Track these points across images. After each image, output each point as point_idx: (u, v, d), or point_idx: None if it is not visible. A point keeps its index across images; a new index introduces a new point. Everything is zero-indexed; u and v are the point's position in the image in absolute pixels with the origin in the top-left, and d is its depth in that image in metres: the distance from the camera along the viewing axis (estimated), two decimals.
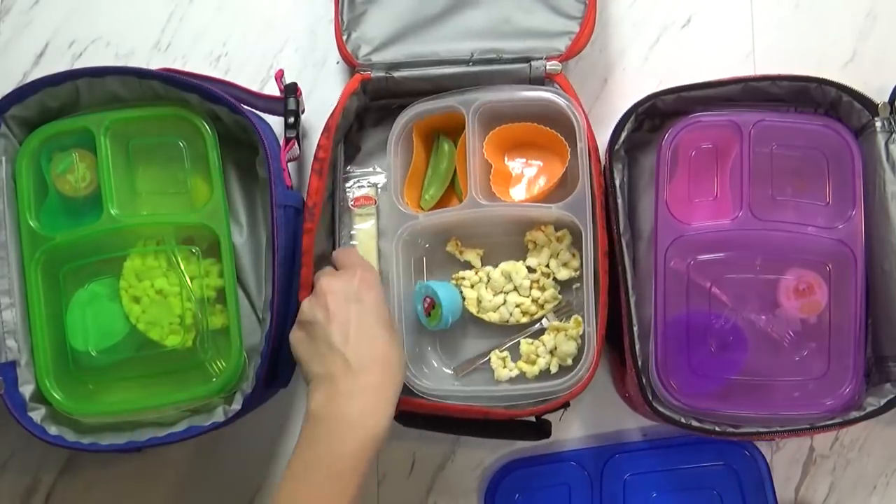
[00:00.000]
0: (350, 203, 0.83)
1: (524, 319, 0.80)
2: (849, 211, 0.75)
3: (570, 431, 0.84)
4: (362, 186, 0.83)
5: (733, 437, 0.73)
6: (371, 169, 0.84)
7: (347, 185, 0.84)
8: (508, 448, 0.84)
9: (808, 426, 0.72)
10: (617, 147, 0.77)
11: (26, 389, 0.75)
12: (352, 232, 0.83)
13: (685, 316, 0.76)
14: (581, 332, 0.78)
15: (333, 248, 0.82)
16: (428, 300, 0.78)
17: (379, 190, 0.83)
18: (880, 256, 0.75)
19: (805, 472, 0.83)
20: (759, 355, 0.76)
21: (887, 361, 0.75)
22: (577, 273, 0.80)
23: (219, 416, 0.74)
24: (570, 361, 0.78)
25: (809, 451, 0.83)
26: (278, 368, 0.77)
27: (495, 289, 0.80)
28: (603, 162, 0.78)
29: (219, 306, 0.78)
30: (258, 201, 0.82)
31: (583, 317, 0.77)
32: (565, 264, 0.80)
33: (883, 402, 0.72)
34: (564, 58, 0.79)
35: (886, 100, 0.76)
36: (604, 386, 0.84)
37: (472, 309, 0.80)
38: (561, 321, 0.80)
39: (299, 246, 0.77)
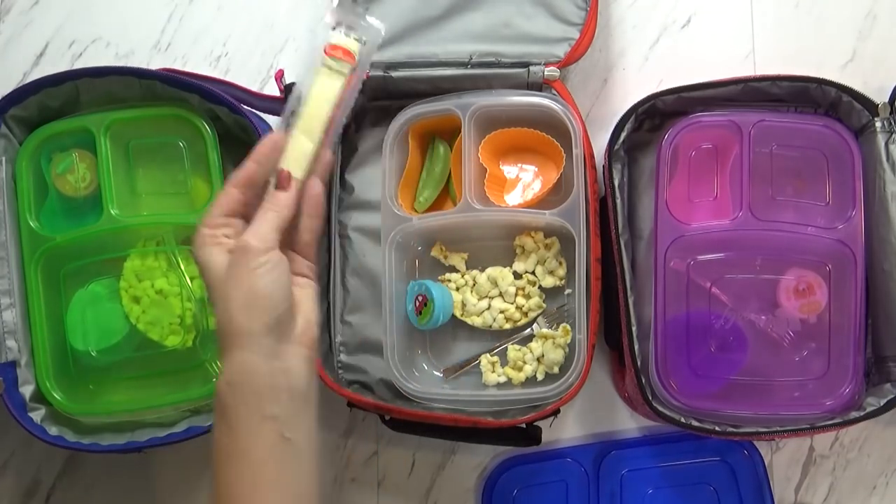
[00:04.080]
0: (323, 47, 0.60)
1: (507, 326, 0.80)
2: (849, 211, 0.75)
3: (570, 431, 0.84)
4: (349, 35, 0.60)
5: (733, 437, 0.73)
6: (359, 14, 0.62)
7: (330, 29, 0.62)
8: (509, 448, 0.84)
9: (808, 426, 0.72)
10: (616, 147, 0.77)
11: (26, 389, 0.75)
12: (304, 90, 0.59)
13: (685, 316, 0.76)
14: (569, 341, 0.78)
15: (329, 247, 0.81)
16: (420, 298, 0.78)
17: (364, 44, 0.60)
18: (880, 256, 0.75)
19: (805, 472, 0.83)
20: (759, 355, 0.76)
21: (887, 361, 0.75)
22: (563, 282, 0.80)
23: None
24: (556, 370, 0.78)
25: (809, 451, 0.83)
26: None
27: (480, 293, 0.80)
28: (602, 162, 0.78)
29: None
30: None
31: (572, 324, 0.77)
32: (551, 272, 0.80)
33: (883, 402, 0.72)
34: (563, 64, 0.79)
35: (886, 100, 0.76)
36: (604, 386, 0.84)
37: (457, 312, 0.80)
38: (552, 328, 0.80)
39: None
